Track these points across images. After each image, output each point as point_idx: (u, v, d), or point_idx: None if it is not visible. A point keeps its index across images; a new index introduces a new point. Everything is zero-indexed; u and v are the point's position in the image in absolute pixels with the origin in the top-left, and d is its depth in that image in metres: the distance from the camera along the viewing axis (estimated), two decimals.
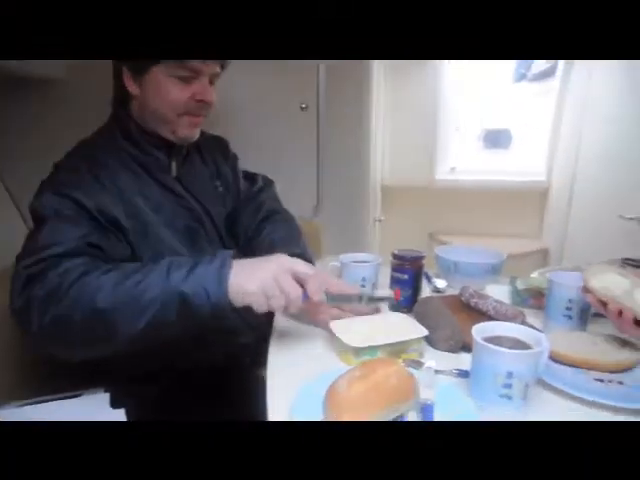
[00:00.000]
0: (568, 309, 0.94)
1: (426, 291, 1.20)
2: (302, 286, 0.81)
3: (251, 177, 1.32)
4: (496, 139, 3.00)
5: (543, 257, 2.71)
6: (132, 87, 0.98)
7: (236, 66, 1.10)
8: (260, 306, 0.78)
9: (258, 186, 1.30)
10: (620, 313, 0.80)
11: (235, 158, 1.29)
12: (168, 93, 0.97)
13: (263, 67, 1.69)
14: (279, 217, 1.23)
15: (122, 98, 1.02)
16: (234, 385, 1.08)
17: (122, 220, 0.93)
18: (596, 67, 2.36)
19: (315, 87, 1.79)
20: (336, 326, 0.89)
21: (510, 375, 0.64)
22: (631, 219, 2.16)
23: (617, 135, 2.25)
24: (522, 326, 0.74)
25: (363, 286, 1.07)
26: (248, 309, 0.79)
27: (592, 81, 2.39)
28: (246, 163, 1.33)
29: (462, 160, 2.88)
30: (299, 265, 0.82)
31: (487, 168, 2.85)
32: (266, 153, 1.74)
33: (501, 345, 0.66)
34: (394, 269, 1.07)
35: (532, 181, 2.73)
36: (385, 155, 2.74)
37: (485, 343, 0.66)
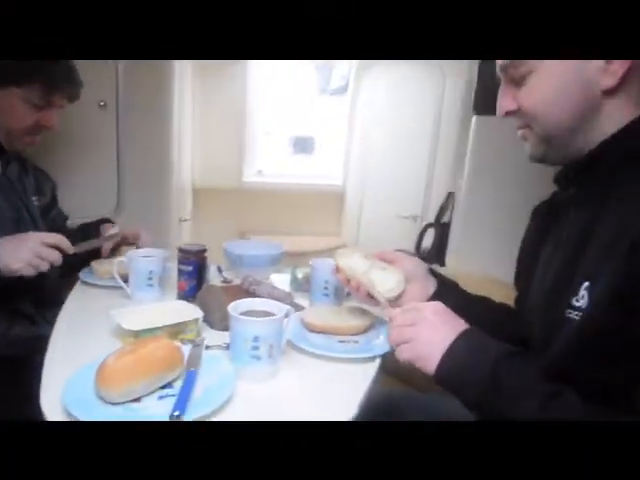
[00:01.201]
0: (325, 288, 1.13)
1: (216, 282, 1.31)
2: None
3: None
4: (303, 145, 3.27)
5: None
6: None
7: None
8: (30, 274, 1.03)
9: None
10: (358, 288, 0.98)
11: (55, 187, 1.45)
12: (18, 115, 1.12)
13: None
14: None
15: None
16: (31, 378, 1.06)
17: None
18: (379, 85, 2.73)
19: (114, 84, 1.77)
20: (119, 314, 0.94)
21: (256, 339, 0.77)
22: (406, 218, 2.56)
23: (396, 148, 2.65)
24: (272, 300, 0.88)
25: (150, 279, 1.13)
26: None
27: (377, 97, 2.76)
28: (44, 162, 1.32)
29: (272, 163, 3.07)
30: (48, 237, 1.07)
31: (295, 171, 3.09)
32: (63, 151, 1.68)
33: (250, 316, 0.79)
34: (180, 262, 1.15)
35: (331, 185, 3.04)
36: (195, 156, 2.78)
37: (236, 315, 0.78)
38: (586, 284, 0.63)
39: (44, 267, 1.04)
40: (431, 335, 0.73)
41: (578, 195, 0.75)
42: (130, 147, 1.83)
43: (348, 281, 0.99)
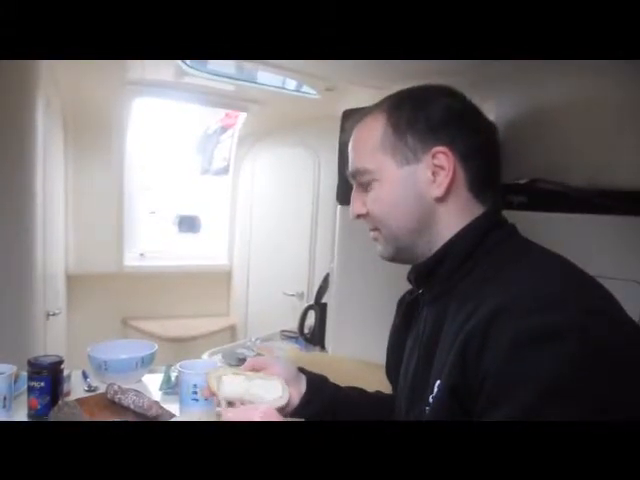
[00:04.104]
0: (194, 393, 1.07)
1: (79, 391, 1.20)
2: None
3: None
4: (189, 224, 3.22)
5: (232, 333, 2.96)
6: None
7: None
8: None
9: None
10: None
11: None
12: None
13: None
14: None
15: None
16: None
17: None
18: (259, 167, 2.81)
19: None
20: None
21: None
22: (292, 295, 2.58)
23: (278, 227, 2.70)
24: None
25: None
26: None
27: (258, 178, 2.83)
28: None
29: (155, 243, 2.97)
30: None
31: (180, 251, 3.02)
32: None
33: None
34: (30, 377, 1.04)
35: (218, 264, 3.00)
36: (69, 240, 2.59)
37: None
38: (438, 382, 0.66)
39: None
40: None
41: (425, 294, 0.80)
42: None
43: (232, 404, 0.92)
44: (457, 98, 0.76)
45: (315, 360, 1.07)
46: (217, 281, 3.00)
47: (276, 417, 0.75)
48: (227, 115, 2.98)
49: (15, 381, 1.07)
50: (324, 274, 2.04)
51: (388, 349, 0.95)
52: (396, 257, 0.80)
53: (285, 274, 2.63)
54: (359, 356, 1.39)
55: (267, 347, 2.00)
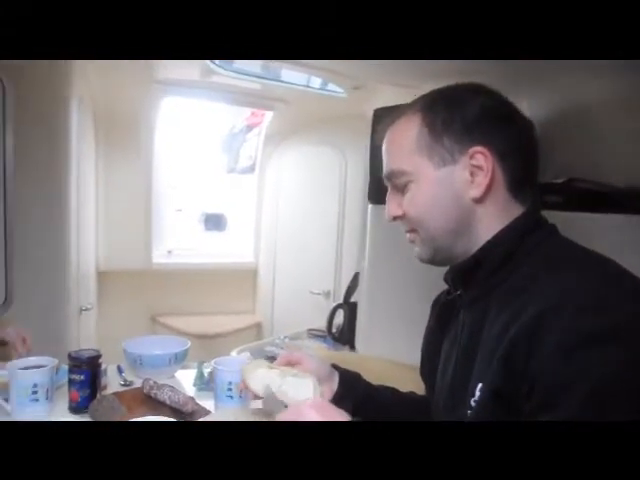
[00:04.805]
0: (229, 390, 1.08)
1: (114, 385, 1.22)
2: None
3: None
4: (215, 222, 3.25)
5: (257, 331, 2.98)
6: None
7: None
8: None
9: None
10: None
11: None
12: None
13: None
14: None
15: None
16: None
17: None
18: (284, 165, 2.82)
19: (1, 172, 1.67)
20: None
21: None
22: (318, 294, 2.58)
23: (304, 225, 2.71)
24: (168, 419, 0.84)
25: (35, 392, 1.03)
26: None
27: (284, 177, 2.84)
28: None
29: (182, 241, 3.01)
30: None
31: (206, 249, 3.05)
32: None
33: None
34: (71, 370, 1.07)
35: (244, 262, 3.02)
36: (100, 237, 2.66)
37: None
38: (480, 385, 0.66)
39: None
40: None
41: (464, 297, 0.78)
42: (21, 235, 1.71)
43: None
44: (492, 96, 0.75)
45: (344, 359, 1.07)
46: (243, 279, 3.02)
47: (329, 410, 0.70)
48: (253, 114, 3.00)
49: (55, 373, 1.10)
50: (351, 273, 2.04)
51: (423, 350, 0.94)
52: (434, 259, 0.79)
53: (311, 272, 2.64)
54: (389, 356, 1.39)
55: (295, 345, 2.02)
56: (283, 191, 2.83)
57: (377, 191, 1.37)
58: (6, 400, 1.03)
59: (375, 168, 1.40)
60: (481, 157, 0.71)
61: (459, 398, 0.71)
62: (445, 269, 0.82)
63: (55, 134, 1.79)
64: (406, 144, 0.75)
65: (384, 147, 0.79)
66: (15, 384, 1.02)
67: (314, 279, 2.61)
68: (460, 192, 0.73)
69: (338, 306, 1.86)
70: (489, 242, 0.73)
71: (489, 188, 0.71)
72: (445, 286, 0.87)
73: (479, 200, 0.72)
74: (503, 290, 0.69)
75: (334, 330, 1.89)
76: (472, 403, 0.67)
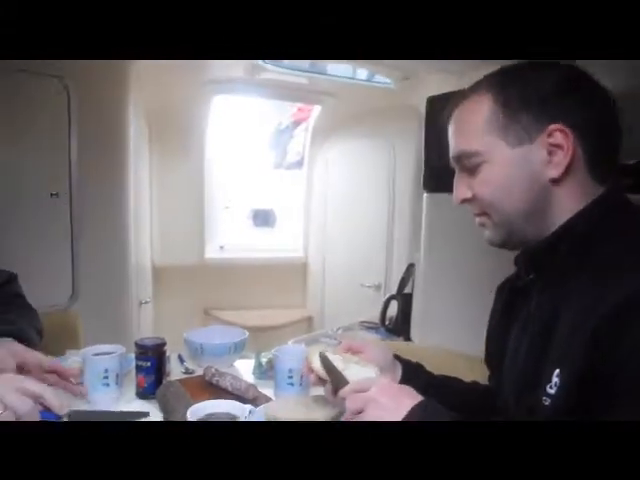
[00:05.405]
0: (290, 377, 1.09)
1: (178, 372, 1.26)
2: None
3: None
4: (263, 218, 3.30)
5: (308, 324, 3.01)
6: None
7: None
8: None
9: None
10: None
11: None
12: None
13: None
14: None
15: None
16: None
17: None
18: (332, 160, 2.83)
19: (67, 172, 1.76)
20: None
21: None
22: (369, 287, 2.58)
23: (354, 219, 2.71)
24: (235, 402, 0.85)
25: (106, 377, 1.08)
26: None
27: (332, 171, 2.85)
28: None
29: (232, 237, 3.07)
30: (28, 382, 0.77)
31: (255, 244, 3.10)
32: (14, 242, 1.63)
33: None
34: (137, 357, 1.11)
35: (294, 257, 3.05)
36: (154, 234, 2.75)
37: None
38: (557, 371, 0.64)
39: (7, 418, 0.72)
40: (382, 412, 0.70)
41: (538, 280, 0.76)
42: (85, 232, 1.80)
43: (323, 381, 0.90)
44: (570, 70, 0.71)
45: (400, 350, 1.06)
46: (293, 273, 3.06)
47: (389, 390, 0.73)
48: (299, 110, 3.03)
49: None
50: (402, 265, 2.03)
51: (488, 336, 0.92)
52: (507, 242, 0.76)
53: (361, 266, 2.64)
54: (446, 346, 1.37)
55: (349, 336, 2.02)
56: (331, 185, 2.83)
57: (432, 179, 1.35)
58: (81, 384, 1.08)
59: (430, 156, 1.38)
60: (560, 135, 0.68)
61: (532, 383, 0.68)
62: (511, 255, 0.80)
63: (114, 137, 1.88)
64: (477, 124, 0.73)
65: (451, 129, 0.77)
66: (89, 369, 1.07)
67: (364, 272, 2.61)
68: (537, 172, 0.70)
69: (391, 297, 1.85)
70: (567, 224, 0.70)
71: (568, 167, 0.68)
72: (501, 274, 0.85)
73: (557, 180, 0.69)
74: (584, 273, 0.66)
75: (387, 322, 1.89)
76: (548, 389, 0.64)
